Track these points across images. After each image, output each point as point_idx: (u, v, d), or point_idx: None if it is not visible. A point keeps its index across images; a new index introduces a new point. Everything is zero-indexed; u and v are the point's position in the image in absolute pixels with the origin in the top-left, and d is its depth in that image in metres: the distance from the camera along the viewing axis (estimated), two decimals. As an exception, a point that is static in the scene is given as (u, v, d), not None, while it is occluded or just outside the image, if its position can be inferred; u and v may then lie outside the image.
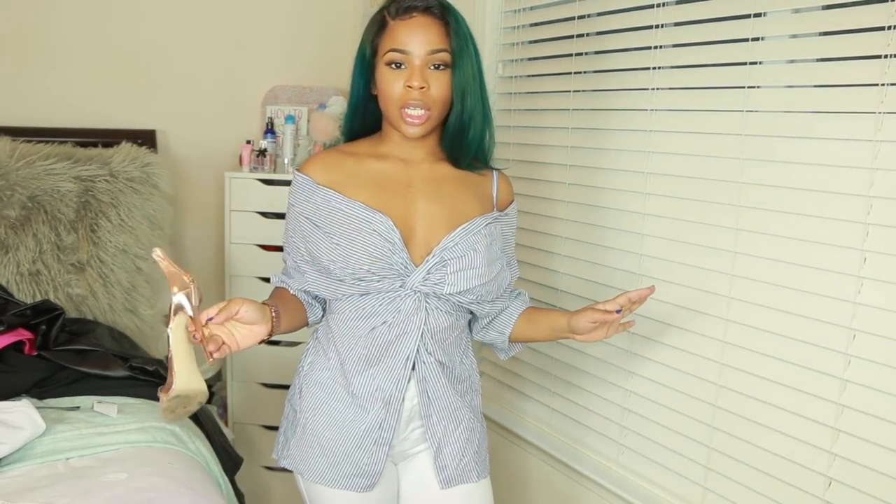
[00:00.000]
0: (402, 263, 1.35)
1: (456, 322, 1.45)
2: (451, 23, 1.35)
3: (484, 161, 1.48)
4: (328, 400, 1.43)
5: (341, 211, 1.36)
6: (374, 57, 1.36)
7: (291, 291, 1.47)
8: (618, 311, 1.37)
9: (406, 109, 1.32)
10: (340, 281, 1.37)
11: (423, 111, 1.33)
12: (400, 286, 1.37)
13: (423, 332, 1.39)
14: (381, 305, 1.38)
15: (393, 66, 1.33)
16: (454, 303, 1.41)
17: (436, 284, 1.37)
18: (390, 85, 1.33)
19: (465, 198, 1.44)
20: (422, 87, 1.31)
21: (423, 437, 1.46)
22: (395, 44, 1.32)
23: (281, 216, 2.50)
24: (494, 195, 1.50)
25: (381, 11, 1.37)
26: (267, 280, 2.56)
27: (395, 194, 1.39)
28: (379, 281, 1.36)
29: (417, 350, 1.40)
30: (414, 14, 1.33)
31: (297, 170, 1.42)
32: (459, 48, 1.34)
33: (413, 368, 1.41)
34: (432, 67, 1.33)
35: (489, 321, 1.54)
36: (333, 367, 1.44)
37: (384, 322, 1.38)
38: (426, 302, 1.38)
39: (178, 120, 2.79)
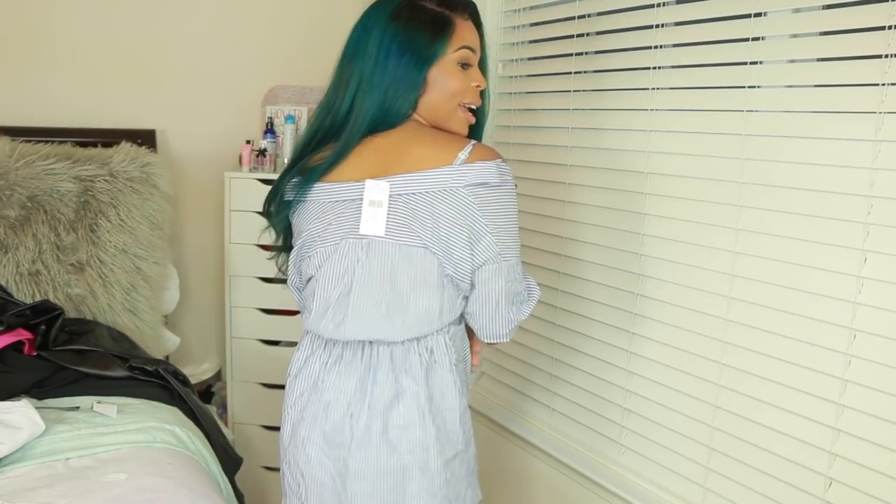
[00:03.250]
0: None
1: None
2: (481, 28, 1.39)
3: None
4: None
5: None
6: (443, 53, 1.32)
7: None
8: None
9: (467, 108, 1.37)
10: None
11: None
12: None
13: None
14: None
15: (464, 64, 1.34)
16: None
17: None
18: (460, 82, 1.33)
19: None
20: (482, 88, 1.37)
21: None
22: (466, 42, 1.33)
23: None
24: None
25: (426, 4, 1.32)
26: (267, 280, 2.57)
27: None
28: None
29: None
30: (467, 15, 1.36)
31: (503, 161, 1.31)
32: (485, 52, 1.41)
33: None
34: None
35: None
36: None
37: None
38: None
39: (177, 120, 2.79)
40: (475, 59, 1.35)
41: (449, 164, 1.26)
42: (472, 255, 1.28)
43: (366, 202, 1.28)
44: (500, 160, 1.29)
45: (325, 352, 1.36)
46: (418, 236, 1.27)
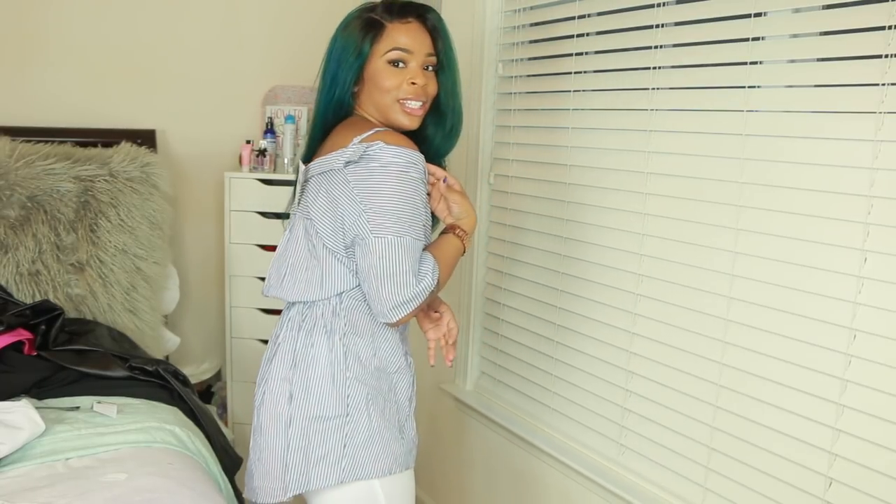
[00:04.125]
0: None
1: None
2: (441, 30, 1.47)
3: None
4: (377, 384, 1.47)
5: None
6: (369, 55, 1.43)
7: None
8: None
9: (408, 103, 1.44)
10: None
11: (421, 104, 1.45)
12: None
13: None
14: None
15: (397, 64, 1.42)
16: None
17: None
18: (391, 80, 1.42)
19: None
20: (423, 84, 1.43)
21: None
22: (397, 44, 1.42)
23: (280, 216, 2.50)
24: None
25: (368, 14, 1.44)
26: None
27: None
28: None
29: None
30: (410, 19, 1.44)
31: (406, 147, 1.36)
32: (450, 54, 1.49)
33: None
34: (426, 68, 1.45)
35: None
36: (370, 348, 1.47)
37: None
38: None
39: (177, 120, 2.79)
40: (412, 59, 1.43)
41: (343, 147, 1.38)
42: (343, 229, 1.39)
43: (299, 181, 1.48)
44: (381, 143, 1.35)
45: None
46: (309, 211, 1.43)
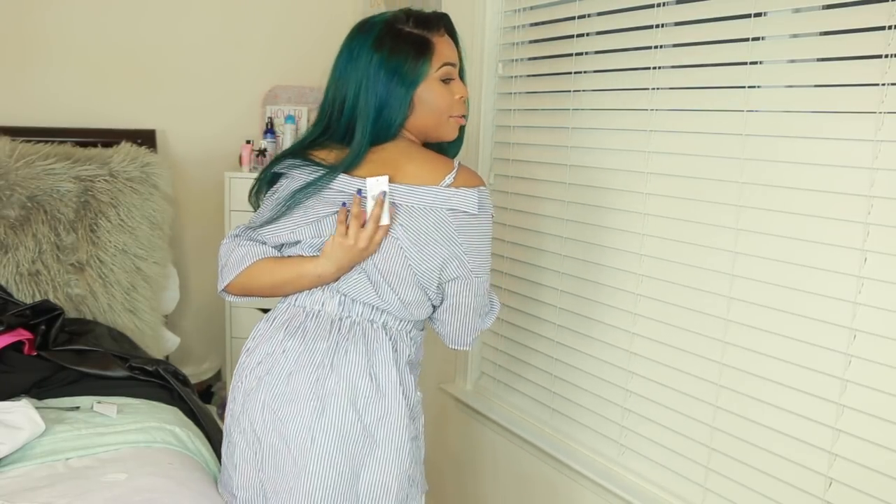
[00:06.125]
0: None
1: None
2: (457, 37, 1.45)
3: None
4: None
5: None
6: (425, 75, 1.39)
7: None
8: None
9: (456, 116, 1.44)
10: None
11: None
12: None
13: None
14: None
15: (446, 80, 1.41)
16: None
17: None
18: (446, 97, 1.41)
19: None
20: (467, 97, 1.45)
21: None
22: (446, 59, 1.40)
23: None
24: None
25: (406, 29, 1.38)
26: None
27: None
28: None
29: None
30: (442, 30, 1.41)
31: (484, 188, 1.39)
32: (463, 58, 1.46)
33: None
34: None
35: None
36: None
37: None
38: None
39: (177, 120, 2.79)
40: (456, 72, 1.43)
41: (434, 185, 1.36)
42: (441, 269, 1.37)
43: (369, 197, 1.36)
44: (482, 187, 1.38)
45: None
46: (396, 239, 1.36)
